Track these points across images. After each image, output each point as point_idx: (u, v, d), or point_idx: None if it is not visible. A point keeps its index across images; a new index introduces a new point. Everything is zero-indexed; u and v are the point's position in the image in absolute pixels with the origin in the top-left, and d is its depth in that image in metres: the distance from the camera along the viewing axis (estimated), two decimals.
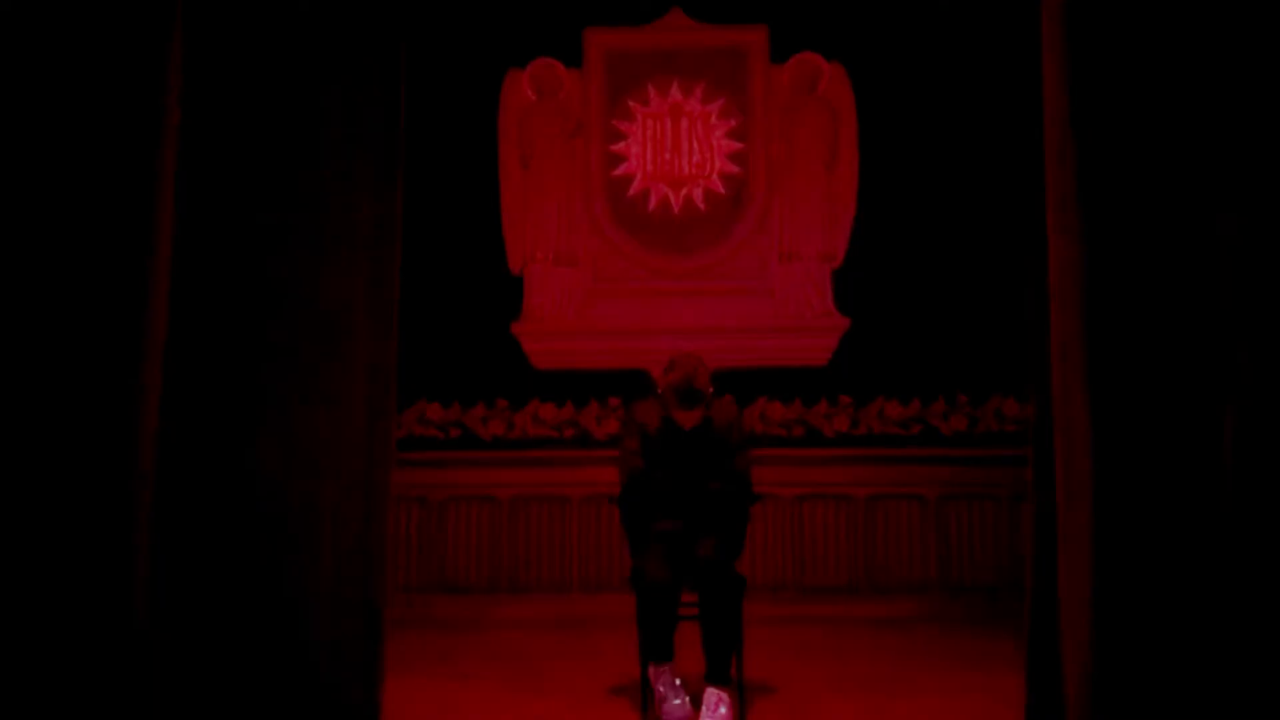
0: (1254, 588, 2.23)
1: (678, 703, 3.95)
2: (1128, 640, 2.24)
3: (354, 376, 2.68)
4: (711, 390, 4.19)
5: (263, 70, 2.66)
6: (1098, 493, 2.28)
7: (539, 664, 4.94)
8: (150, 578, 2.42)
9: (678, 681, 4.01)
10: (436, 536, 6.11)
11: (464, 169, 6.38)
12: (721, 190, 6.46)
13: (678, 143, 6.49)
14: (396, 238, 2.85)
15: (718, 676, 3.87)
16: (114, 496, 2.41)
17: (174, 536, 2.49)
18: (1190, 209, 2.29)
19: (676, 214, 6.45)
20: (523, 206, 6.43)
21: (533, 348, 6.35)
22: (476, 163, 6.41)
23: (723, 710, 3.80)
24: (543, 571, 6.10)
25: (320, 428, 2.61)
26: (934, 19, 6.13)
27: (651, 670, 4.01)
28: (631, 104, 6.51)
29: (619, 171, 6.49)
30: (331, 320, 2.68)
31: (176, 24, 2.52)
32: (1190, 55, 2.29)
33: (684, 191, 6.47)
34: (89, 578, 2.38)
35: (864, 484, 6.08)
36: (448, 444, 6.22)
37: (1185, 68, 2.30)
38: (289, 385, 2.62)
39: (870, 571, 6.03)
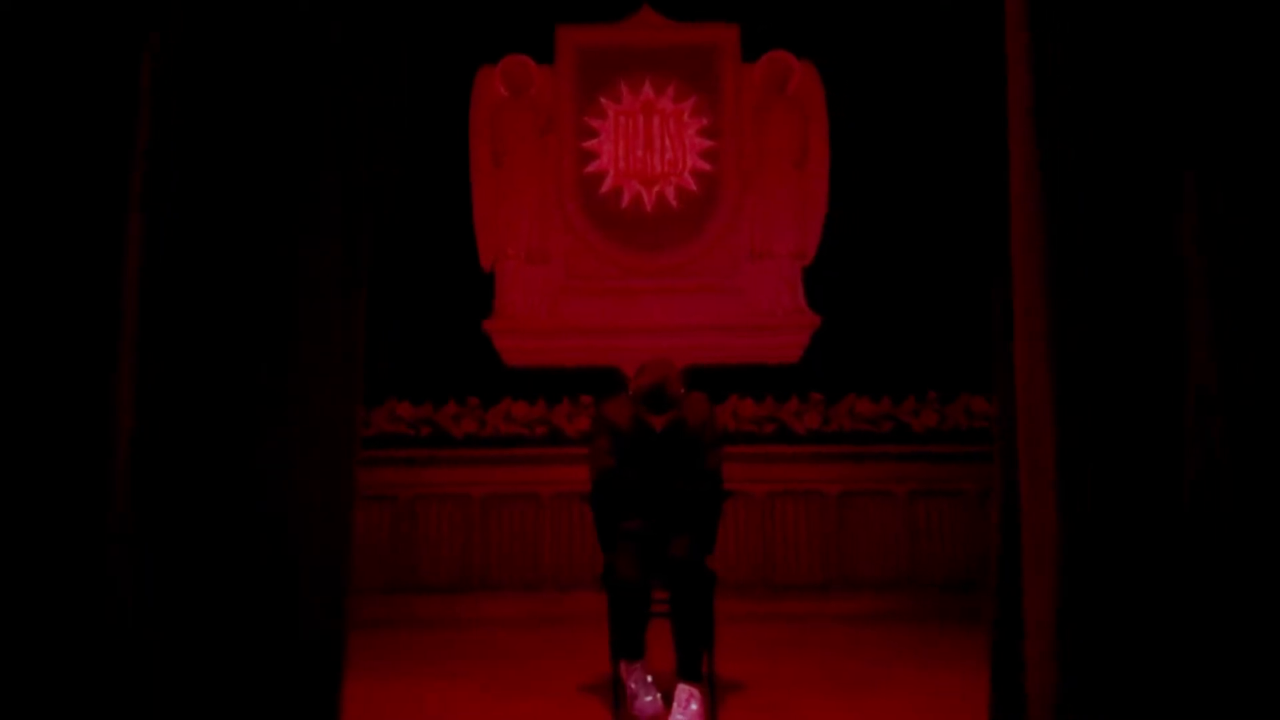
0: (1220, 584, 2.25)
1: (649, 699, 3.96)
2: (1092, 636, 2.26)
3: (327, 373, 2.67)
4: (683, 393, 4.21)
5: (243, 71, 2.64)
6: (1061, 487, 2.29)
7: (510, 662, 4.94)
8: (134, 575, 2.42)
9: (649, 678, 4.02)
10: (408, 535, 6.08)
11: (436, 165, 6.35)
12: (694, 188, 6.47)
13: (650, 140, 6.49)
14: (369, 238, 2.85)
15: (689, 673, 3.88)
16: (88, 497, 2.41)
17: (158, 535, 2.49)
18: (1155, 201, 2.31)
19: (649, 212, 6.46)
20: (494, 203, 6.41)
21: (504, 345, 6.33)
22: (448, 159, 6.39)
23: (694, 706, 3.81)
24: (514, 569, 6.08)
25: (299, 425, 2.60)
26: (904, 17, 6.15)
27: (623, 667, 4.02)
28: (603, 101, 6.51)
29: (591, 169, 6.49)
30: (307, 318, 2.67)
31: (155, 20, 2.50)
32: (1162, 50, 2.31)
33: (656, 189, 6.47)
34: (63, 577, 2.38)
35: (835, 480, 6.11)
36: (419, 442, 6.21)
37: (1155, 60, 2.32)
38: (269, 384, 2.61)
39: (841, 568, 6.06)
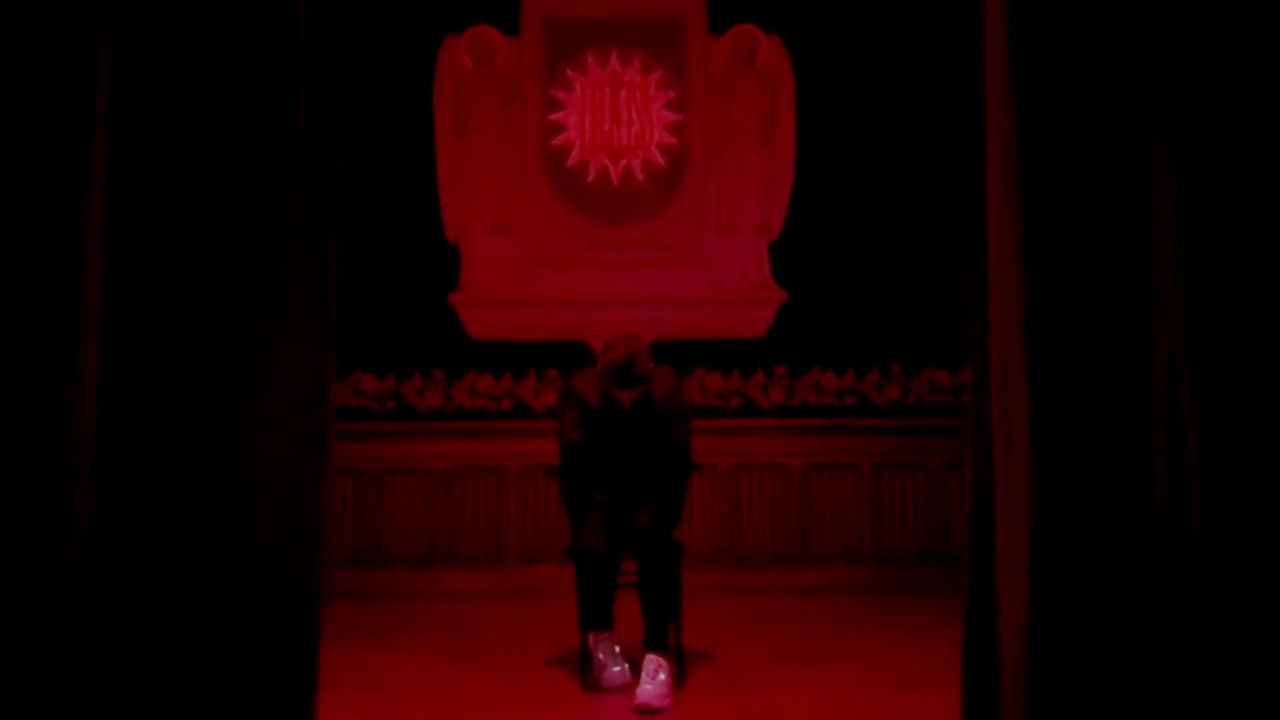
0: (1195, 562, 2.28)
1: (617, 670, 3.98)
2: (1064, 604, 2.29)
3: (296, 347, 2.65)
4: (651, 368, 4.20)
5: (204, 52, 2.60)
6: (1035, 460, 2.32)
7: (477, 635, 4.93)
8: (103, 549, 2.39)
9: (617, 649, 4.03)
10: (372, 509, 6.04)
11: (400, 136, 6.28)
12: (660, 161, 6.44)
13: (617, 113, 6.45)
14: (335, 215, 2.81)
15: (656, 644, 3.90)
16: (53, 471, 2.38)
17: (127, 509, 2.46)
18: (1130, 179, 2.33)
19: (615, 185, 6.42)
20: (459, 175, 6.35)
21: (470, 318, 6.29)
22: (413, 130, 6.31)
23: (661, 677, 3.82)
24: (480, 543, 6.07)
25: (272, 395, 2.58)
26: None
27: (591, 638, 4.03)
28: (570, 73, 6.45)
29: (557, 141, 6.44)
30: (275, 295, 2.64)
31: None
32: (1139, 24, 2.32)
33: (623, 162, 6.44)
34: (27, 558, 2.35)
35: (799, 454, 6.14)
36: (383, 416, 6.16)
37: (1132, 36, 2.34)
38: (239, 353, 2.59)
39: (805, 541, 6.10)
